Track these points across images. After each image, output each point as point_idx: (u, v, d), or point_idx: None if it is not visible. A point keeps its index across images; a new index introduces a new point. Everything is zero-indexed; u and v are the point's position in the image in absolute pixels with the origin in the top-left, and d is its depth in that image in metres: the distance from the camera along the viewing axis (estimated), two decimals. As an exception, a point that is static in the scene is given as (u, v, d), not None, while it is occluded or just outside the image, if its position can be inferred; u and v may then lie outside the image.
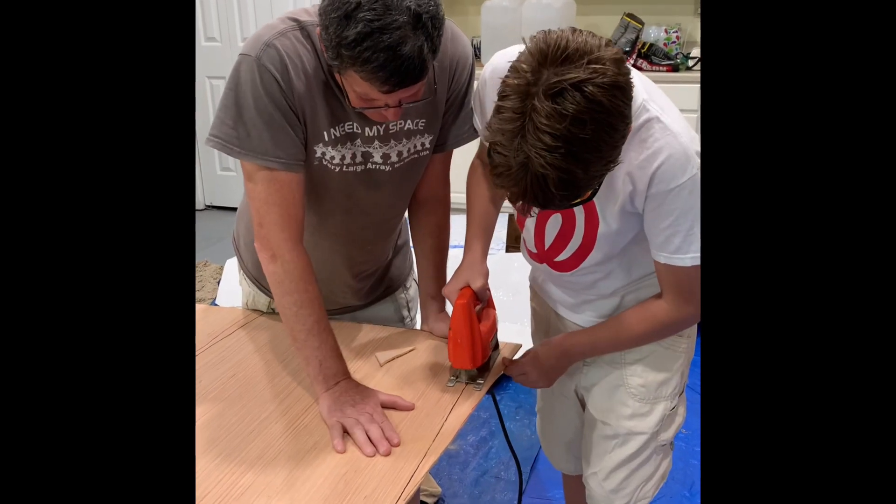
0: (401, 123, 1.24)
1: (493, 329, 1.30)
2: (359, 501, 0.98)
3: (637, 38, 3.53)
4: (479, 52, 3.67)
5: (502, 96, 0.90)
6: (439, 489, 2.04)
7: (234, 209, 4.84)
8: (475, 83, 1.24)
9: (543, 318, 1.41)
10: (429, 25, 1.02)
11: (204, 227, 4.28)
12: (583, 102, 0.85)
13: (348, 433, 1.12)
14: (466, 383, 1.25)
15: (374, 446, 1.09)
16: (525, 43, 0.91)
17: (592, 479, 1.36)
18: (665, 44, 3.50)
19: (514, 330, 1.92)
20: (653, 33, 3.52)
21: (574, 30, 0.90)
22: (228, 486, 1.03)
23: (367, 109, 1.13)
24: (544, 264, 1.26)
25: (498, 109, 0.91)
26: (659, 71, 3.48)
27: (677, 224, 1.03)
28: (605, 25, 3.71)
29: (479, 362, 1.23)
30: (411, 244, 1.51)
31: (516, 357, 1.34)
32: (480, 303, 1.25)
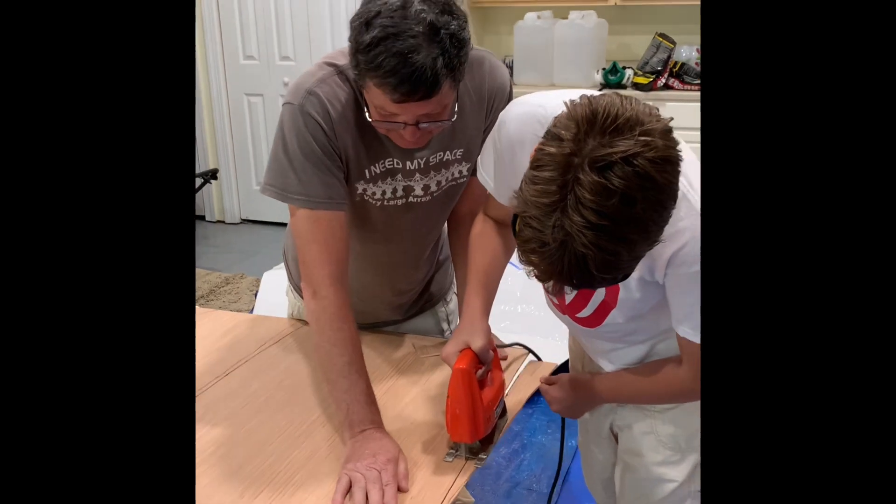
0: (440, 155, 1.27)
1: (499, 395, 1.18)
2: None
3: (669, 57, 3.56)
4: (512, 71, 3.72)
5: (537, 165, 0.82)
6: (472, 499, 2.07)
7: (270, 223, 4.91)
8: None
9: (578, 355, 1.37)
10: (446, 42, 1.03)
11: (240, 240, 4.38)
12: (633, 177, 0.77)
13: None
14: (467, 458, 1.13)
15: None
16: (566, 106, 0.83)
17: None
18: (697, 63, 3.52)
19: (549, 346, 1.94)
20: (684, 52, 3.56)
21: (621, 96, 0.82)
22: (284, 481, 1.09)
23: (385, 125, 1.14)
24: (566, 317, 1.18)
25: (532, 179, 0.82)
26: (691, 90, 3.51)
27: (699, 303, 0.97)
28: (636, 45, 3.75)
29: (482, 435, 1.11)
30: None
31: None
32: (483, 365, 1.12)
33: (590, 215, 0.78)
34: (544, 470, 2.23)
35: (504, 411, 1.22)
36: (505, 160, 1.08)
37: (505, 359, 1.49)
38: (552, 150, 0.80)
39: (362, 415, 1.15)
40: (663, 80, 3.56)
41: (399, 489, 1.06)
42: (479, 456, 1.13)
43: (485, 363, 1.13)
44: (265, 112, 4.37)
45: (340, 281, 1.21)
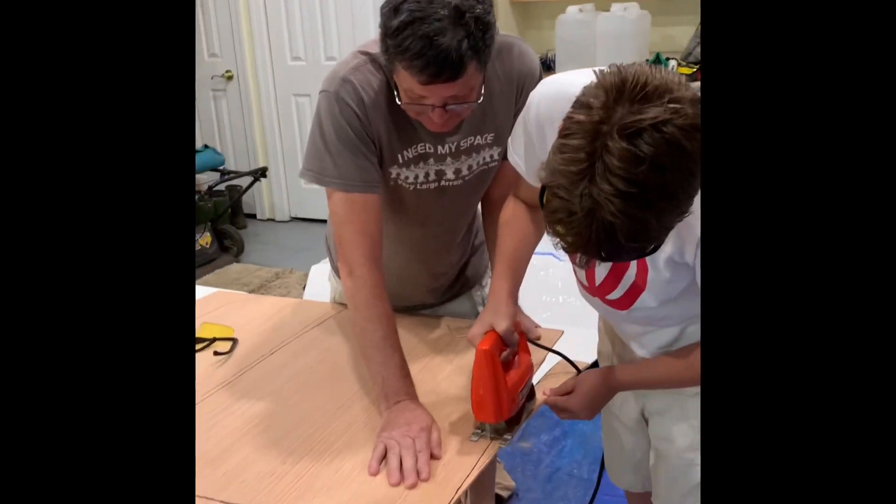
0: (471, 139, 1.31)
1: (526, 377, 1.19)
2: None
3: (712, 47, 3.54)
4: (554, 65, 3.73)
5: (566, 134, 0.81)
6: (513, 483, 2.11)
7: (318, 220, 5.01)
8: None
9: (608, 339, 1.34)
10: (471, 24, 1.07)
11: (289, 237, 4.49)
12: (662, 144, 0.77)
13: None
14: (492, 438, 1.14)
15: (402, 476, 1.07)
16: (595, 76, 0.83)
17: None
18: (741, 52, 3.49)
19: (592, 336, 1.87)
20: (728, 42, 3.52)
21: (651, 65, 0.82)
22: (323, 449, 1.15)
23: (414, 108, 1.18)
24: (596, 298, 1.17)
25: (560, 148, 0.82)
26: (735, 80, 3.47)
27: None
28: (680, 36, 3.73)
29: (506, 416, 1.12)
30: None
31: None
32: (508, 348, 1.14)
33: (618, 183, 0.77)
34: (585, 456, 2.25)
35: (533, 394, 1.23)
36: (535, 140, 1.08)
37: (539, 338, 1.52)
38: (581, 118, 0.80)
39: (397, 387, 1.19)
40: (707, 71, 3.53)
41: (432, 456, 1.10)
42: (504, 437, 1.14)
43: (509, 345, 1.14)
44: (312, 111, 4.44)
45: (375, 260, 1.26)
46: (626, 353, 1.25)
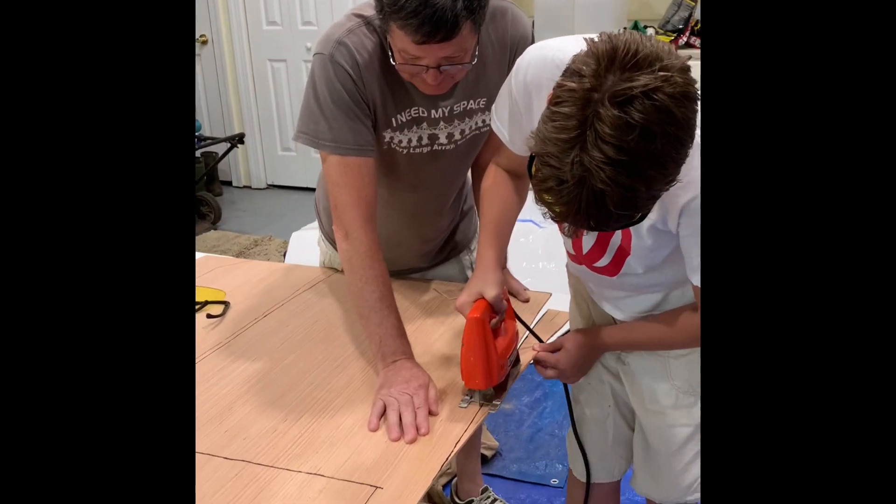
0: (464, 104, 1.32)
1: (513, 343, 1.21)
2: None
3: (690, 15, 3.57)
4: (533, 32, 3.73)
5: (557, 102, 0.81)
6: (496, 443, 2.16)
7: (295, 188, 4.97)
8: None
9: (584, 302, 1.34)
10: None
11: (267, 204, 4.47)
12: (653, 112, 0.77)
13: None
14: (481, 405, 1.16)
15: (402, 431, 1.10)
16: (585, 43, 0.83)
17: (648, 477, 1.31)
18: (718, 21, 3.53)
19: (568, 301, 1.94)
20: (706, 11, 3.56)
21: (641, 34, 0.83)
22: (323, 407, 1.18)
23: (408, 69, 1.18)
24: (583, 266, 1.19)
25: (550, 116, 0.81)
26: (711, 48, 3.51)
27: None
28: (657, 4, 3.75)
29: (495, 381, 1.14)
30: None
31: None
32: (497, 315, 1.15)
33: (609, 150, 0.77)
34: (565, 417, 2.30)
35: (517, 360, 1.25)
36: (520, 107, 1.08)
37: (527, 301, 1.56)
38: (572, 85, 0.80)
39: (394, 346, 1.22)
40: (685, 39, 3.57)
41: (430, 413, 1.13)
42: (493, 402, 1.16)
43: (498, 312, 1.15)
44: (288, 77, 4.43)
45: (370, 223, 1.28)
46: (602, 316, 1.27)
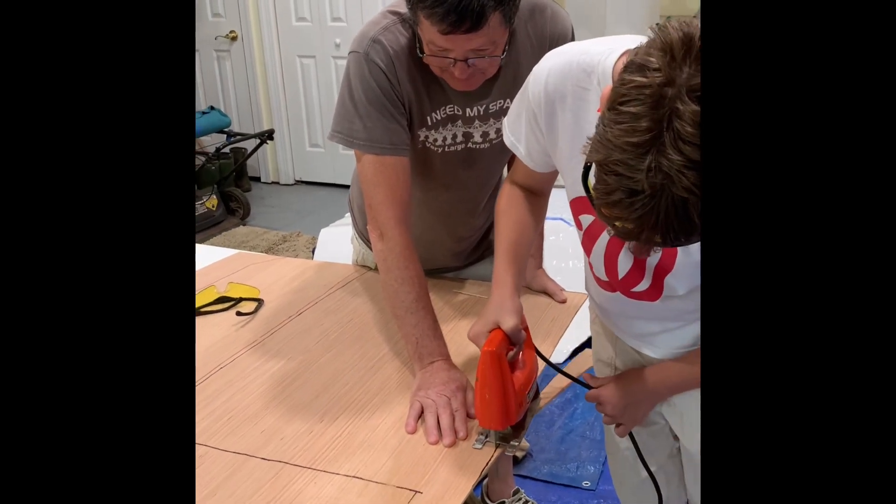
0: (500, 102, 1.31)
1: (532, 377, 1.10)
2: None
3: (724, 11, 3.52)
4: (573, 33, 3.70)
5: (621, 101, 0.70)
6: (528, 444, 2.14)
7: (323, 184, 5.02)
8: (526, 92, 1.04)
9: (609, 342, 1.23)
10: None
11: (295, 200, 4.49)
12: None
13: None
14: (497, 445, 1.05)
15: (441, 434, 1.08)
16: (652, 33, 0.73)
17: None
18: (753, 17, 3.47)
19: None
20: (741, 7, 3.50)
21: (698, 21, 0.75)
22: (359, 408, 1.16)
23: (436, 61, 1.17)
24: (617, 292, 1.05)
25: (616, 119, 0.70)
26: (747, 45, 3.46)
27: None
28: (693, 4, 3.70)
29: (513, 421, 1.04)
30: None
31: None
32: (514, 346, 1.05)
33: (692, 152, 0.66)
34: (597, 418, 2.28)
35: (537, 393, 1.16)
36: (540, 119, 0.99)
37: (564, 301, 1.54)
38: (641, 80, 0.69)
39: (431, 347, 1.20)
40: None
41: (468, 415, 1.12)
42: (511, 443, 1.06)
43: (516, 344, 1.05)
44: (317, 74, 4.43)
45: (405, 223, 1.26)
46: (630, 358, 1.15)
